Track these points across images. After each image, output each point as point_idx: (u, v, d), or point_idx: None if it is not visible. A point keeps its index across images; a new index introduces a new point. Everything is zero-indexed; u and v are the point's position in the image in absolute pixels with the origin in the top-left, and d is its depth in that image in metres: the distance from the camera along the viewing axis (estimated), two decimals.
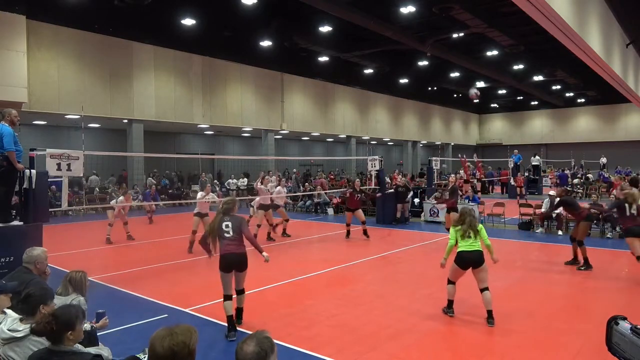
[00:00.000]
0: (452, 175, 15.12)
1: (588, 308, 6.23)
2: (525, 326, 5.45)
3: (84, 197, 18.35)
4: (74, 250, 10.52)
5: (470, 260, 5.56)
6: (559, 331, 5.27)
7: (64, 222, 15.66)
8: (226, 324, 5.21)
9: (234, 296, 5.33)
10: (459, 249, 5.67)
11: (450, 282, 5.81)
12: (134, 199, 17.80)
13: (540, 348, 4.82)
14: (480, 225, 5.81)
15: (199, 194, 10.79)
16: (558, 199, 9.26)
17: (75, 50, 17.63)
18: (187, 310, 6.09)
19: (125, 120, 19.79)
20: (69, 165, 7.63)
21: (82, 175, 8.55)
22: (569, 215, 10.89)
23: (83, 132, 10.17)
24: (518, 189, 21.83)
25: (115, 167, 21.89)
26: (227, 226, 5.16)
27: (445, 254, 5.78)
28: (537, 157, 26.58)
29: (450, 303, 5.83)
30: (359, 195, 11.81)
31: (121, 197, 12.14)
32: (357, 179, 12.51)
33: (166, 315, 5.90)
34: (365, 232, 11.56)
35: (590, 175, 26.10)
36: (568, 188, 14.90)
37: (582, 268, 8.17)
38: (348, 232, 11.81)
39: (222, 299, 5.20)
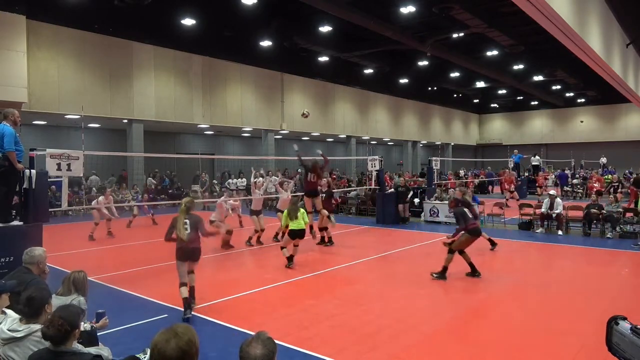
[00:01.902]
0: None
1: (588, 308, 6.22)
2: (525, 326, 5.45)
3: (83, 197, 18.35)
4: (74, 250, 10.52)
5: (297, 234, 8.58)
6: (559, 331, 5.27)
7: (64, 222, 15.66)
8: (184, 307, 5.69)
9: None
10: (291, 227, 8.57)
11: (284, 247, 8.75)
12: (134, 199, 17.86)
13: (540, 348, 4.82)
14: (302, 210, 8.71)
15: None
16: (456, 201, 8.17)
17: (75, 50, 17.61)
18: None
19: (125, 120, 19.77)
20: (69, 165, 7.64)
21: (82, 175, 8.57)
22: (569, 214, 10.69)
23: (83, 132, 10.19)
24: (539, 189, 22.04)
25: (115, 167, 21.89)
26: (185, 224, 6.04)
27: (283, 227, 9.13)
28: (537, 157, 26.59)
29: (291, 258, 8.55)
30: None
31: (101, 197, 12.69)
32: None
33: (166, 315, 5.90)
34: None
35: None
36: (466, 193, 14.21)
37: (435, 275, 7.58)
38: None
39: (179, 286, 5.97)
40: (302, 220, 8.66)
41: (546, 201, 12.56)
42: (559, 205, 12.32)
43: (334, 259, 9.40)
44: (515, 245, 11.03)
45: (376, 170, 15.04)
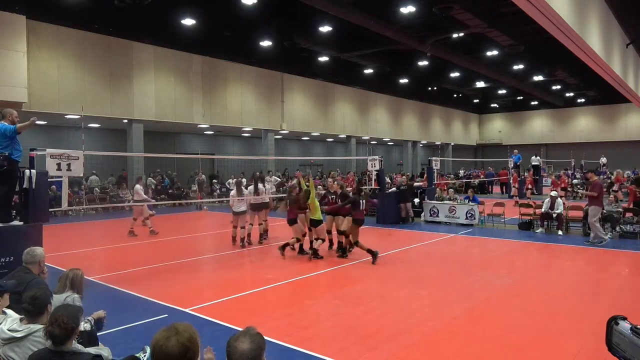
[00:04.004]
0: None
1: (588, 308, 6.23)
2: (525, 326, 5.46)
3: (83, 197, 18.36)
4: (74, 250, 10.52)
5: (314, 224, 9.32)
6: (559, 331, 5.28)
7: (64, 222, 15.66)
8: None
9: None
10: (311, 217, 9.33)
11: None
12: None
13: (540, 348, 4.82)
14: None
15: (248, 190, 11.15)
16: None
17: (75, 50, 17.61)
18: (187, 310, 6.09)
19: (125, 120, 19.78)
20: (69, 165, 7.63)
21: (82, 175, 8.57)
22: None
23: (83, 132, 10.19)
24: (527, 191, 22.19)
25: (115, 167, 21.91)
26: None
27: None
28: (537, 157, 26.61)
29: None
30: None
31: (138, 185, 12.63)
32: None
33: (166, 315, 5.89)
34: None
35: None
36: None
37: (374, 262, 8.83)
38: None
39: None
40: (318, 210, 9.33)
41: (547, 201, 12.55)
42: (560, 206, 12.32)
43: (334, 259, 9.40)
44: (515, 245, 11.04)
45: (376, 171, 15.03)
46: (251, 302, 6.57)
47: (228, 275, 8.23)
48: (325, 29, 19.75)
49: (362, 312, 5.95)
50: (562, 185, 20.90)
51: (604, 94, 32.46)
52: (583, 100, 39.65)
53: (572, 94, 37.85)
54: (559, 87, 34.74)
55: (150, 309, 6.15)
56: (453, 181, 25.90)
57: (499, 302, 6.48)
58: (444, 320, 5.67)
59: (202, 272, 8.64)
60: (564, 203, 12.77)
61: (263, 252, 10.35)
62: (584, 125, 40.71)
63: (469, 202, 14.32)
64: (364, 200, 13.04)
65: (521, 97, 39.48)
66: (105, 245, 11.30)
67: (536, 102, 41.31)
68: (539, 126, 43.51)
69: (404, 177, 19.64)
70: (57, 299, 3.56)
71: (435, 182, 17.52)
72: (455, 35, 20.86)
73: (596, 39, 12.53)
